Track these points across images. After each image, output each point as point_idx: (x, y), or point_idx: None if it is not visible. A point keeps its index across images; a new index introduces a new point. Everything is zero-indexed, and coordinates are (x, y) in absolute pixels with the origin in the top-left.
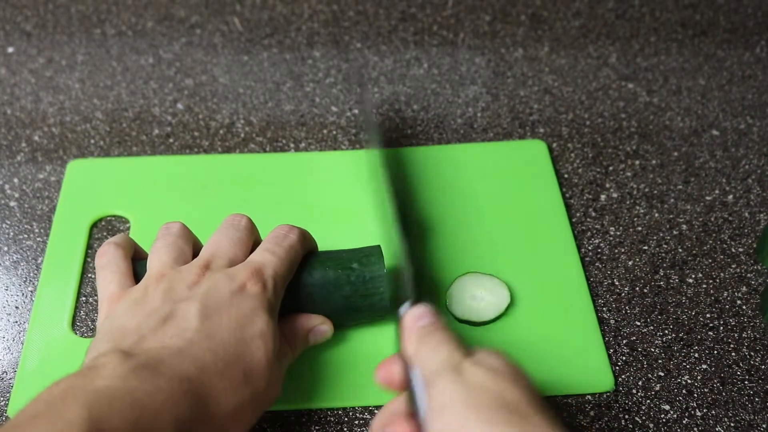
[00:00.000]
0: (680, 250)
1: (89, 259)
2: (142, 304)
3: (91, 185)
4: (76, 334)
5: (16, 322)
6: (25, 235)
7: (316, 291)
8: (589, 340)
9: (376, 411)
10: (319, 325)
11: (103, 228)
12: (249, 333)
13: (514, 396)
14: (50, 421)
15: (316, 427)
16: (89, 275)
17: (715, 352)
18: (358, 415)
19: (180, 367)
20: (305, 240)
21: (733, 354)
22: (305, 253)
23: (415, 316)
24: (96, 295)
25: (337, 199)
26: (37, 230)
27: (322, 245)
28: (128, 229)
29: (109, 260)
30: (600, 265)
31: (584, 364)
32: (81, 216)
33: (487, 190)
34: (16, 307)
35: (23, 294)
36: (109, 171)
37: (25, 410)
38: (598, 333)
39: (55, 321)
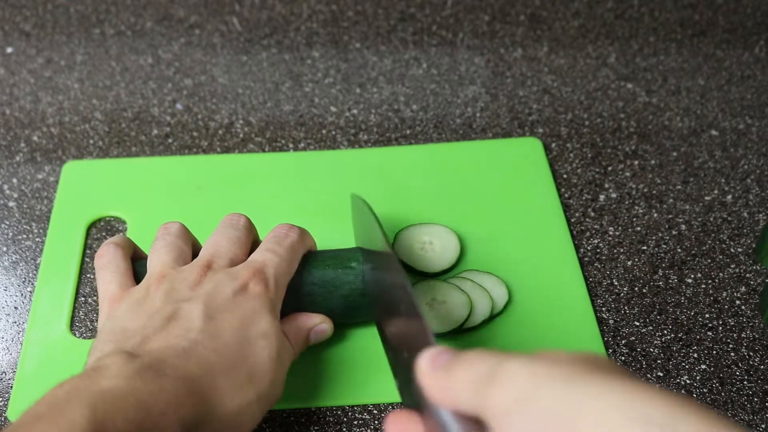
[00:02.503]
0: (679, 250)
1: (87, 260)
2: (144, 304)
3: (86, 187)
4: (74, 334)
5: (15, 322)
6: (24, 236)
7: (315, 290)
8: (587, 340)
9: (375, 410)
10: (320, 324)
11: (102, 229)
12: (252, 333)
13: (600, 357)
14: (54, 421)
15: (315, 427)
16: (87, 276)
17: (714, 352)
18: (357, 414)
19: (184, 367)
20: (305, 239)
21: (732, 354)
22: (305, 252)
23: (429, 358)
24: (94, 296)
25: (336, 199)
26: (36, 230)
27: (321, 245)
28: (125, 230)
29: (109, 260)
30: (599, 266)
31: None
32: (77, 218)
33: (481, 188)
34: (15, 308)
35: (22, 294)
36: (104, 172)
37: (28, 412)
38: (597, 333)
39: (54, 321)
